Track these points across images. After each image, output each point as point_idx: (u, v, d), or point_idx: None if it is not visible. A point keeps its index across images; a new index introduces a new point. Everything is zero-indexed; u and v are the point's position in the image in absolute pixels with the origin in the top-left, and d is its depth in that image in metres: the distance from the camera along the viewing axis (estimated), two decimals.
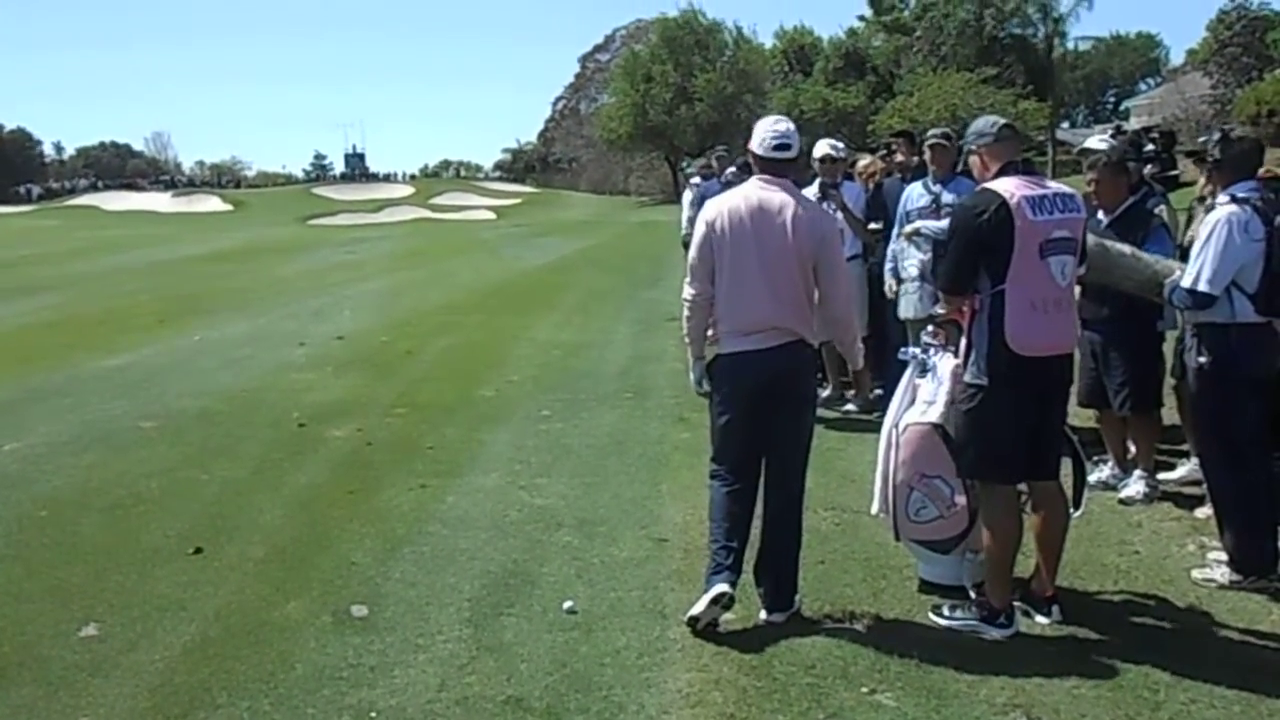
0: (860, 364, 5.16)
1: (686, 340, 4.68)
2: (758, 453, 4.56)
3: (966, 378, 4.32)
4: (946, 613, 4.47)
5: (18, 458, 7.38)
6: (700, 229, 4.53)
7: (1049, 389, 4.33)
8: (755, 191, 4.49)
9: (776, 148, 4.50)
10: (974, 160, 4.45)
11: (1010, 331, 4.12)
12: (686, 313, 4.60)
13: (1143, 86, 70.80)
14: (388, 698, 3.91)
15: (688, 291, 4.57)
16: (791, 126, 4.60)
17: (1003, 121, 4.48)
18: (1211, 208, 4.76)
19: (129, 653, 4.33)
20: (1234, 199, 4.63)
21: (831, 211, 7.96)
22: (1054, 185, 4.32)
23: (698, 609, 4.33)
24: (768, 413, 4.50)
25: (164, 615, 4.68)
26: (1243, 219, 4.56)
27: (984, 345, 4.21)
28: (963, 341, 4.37)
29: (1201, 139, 5.14)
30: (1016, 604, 4.41)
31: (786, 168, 4.57)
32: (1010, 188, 4.14)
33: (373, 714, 3.81)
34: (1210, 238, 4.59)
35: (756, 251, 4.40)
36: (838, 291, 4.56)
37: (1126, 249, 5.13)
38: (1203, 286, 4.59)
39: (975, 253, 4.20)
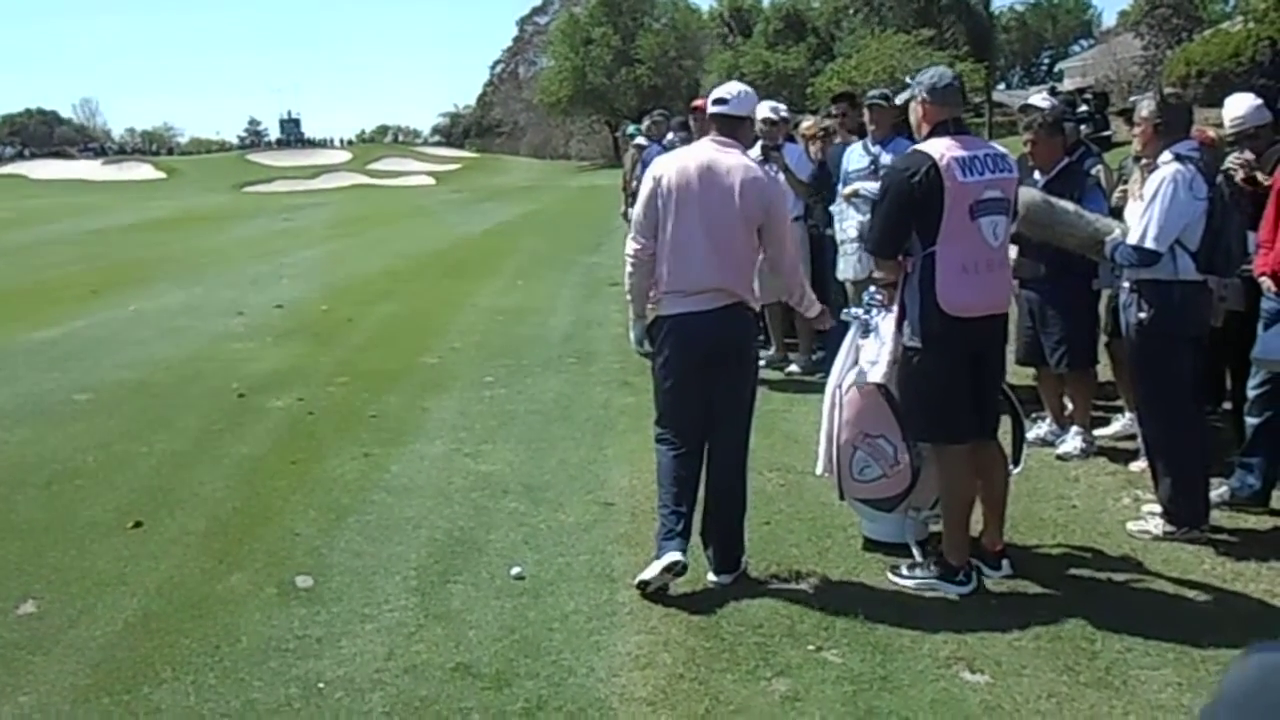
0: (815, 310, 4.88)
1: (628, 297, 4.68)
2: (702, 416, 4.55)
3: (904, 340, 4.36)
4: (905, 572, 4.51)
5: None
6: (648, 184, 4.50)
7: (983, 349, 4.37)
8: (708, 151, 4.47)
9: (738, 102, 4.51)
10: (914, 107, 4.42)
11: (941, 293, 4.14)
12: (629, 268, 4.58)
13: (1076, 48, 71.42)
14: (335, 668, 3.90)
15: (631, 246, 4.54)
16: (744, 88, 4.62)
17: (951, 75, 4.43)
18: (1151, 168, 4.81)
19: (69, 629, 4.27)
20: (1178, 157, 4.67)
21: (773, 173, 7.98)
22: (985, 145, 4.34)
23: (649, 574, 4.34)
24: (710, 377, 4.49)
25: (104, 590, 4.62)
26: (1188, 176, 4.61)
27: (916, 308, 4.24)
28: (899, 303, 4.40)
29: (1132, 98, 5.19)
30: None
31: (739, 128, 4.55)
32: (940, 149, 4.16)
33: (320, 685, 3.79)
34: (1156, 195, 4.62)
35: (701, 212, 4.36)
36: (784, 256, 4.61)
37: (1070, 206, 5.18)
38: (1149, 244, 4.62)
39: (906, 215, 4.22)
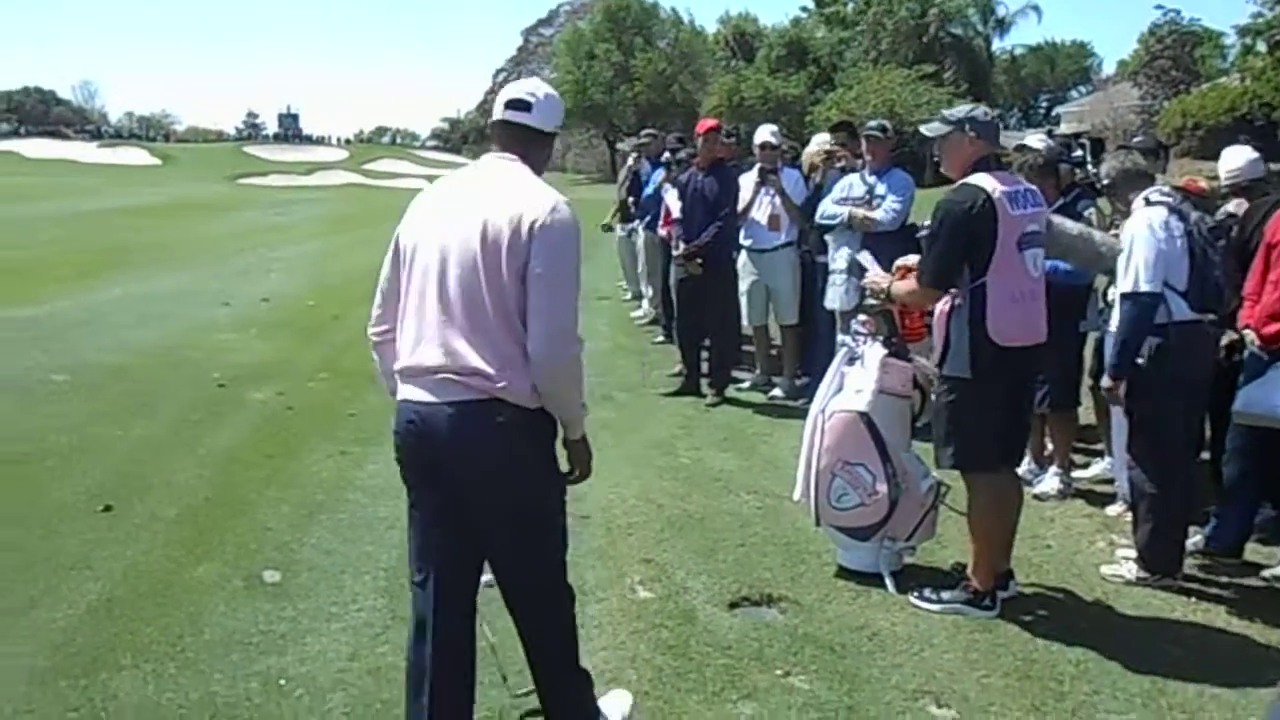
0: (577, 435, 3.40)
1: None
2: (460, 564, 3.16)
3: (946, 371, 4.39)
4: (931, 595, 4.53)
5: None
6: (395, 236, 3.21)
7: (1024, 379, 4.48)
8: (469, 175, 3.26)
9: (510, 105, 3.16)
10: (957, 140, 4.42)
11: (992, 324, 4.22)
12: (373, 353, 3.28)
13: (1074, 94, 72.01)
14: (298, 665, 3.86)
15: (371, 326, 3.24)
16: (550, 90, 3.24)
17: (989, 111, 4.57)
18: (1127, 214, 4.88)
19: (29, 611, 4.22)
20: (1148, 201, 4.74)
21: (770, 196, 7.99)
22: (1020, 181, 4.45)
23: None
24: (466, 510, 3.05)
25: (68, 573, 4.57)
26: (1161, 216, 4.65)
27: (965, 339, 4.28)
28: (937, 335, 4.42)
29: (1104, 164, 5.25)
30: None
31: (533, 144, 3.18)
32: (991, 183, 4.24)
33: (281, 681, 3.75)
34: (1133, 242, 4.65)
35: (440, 254, 3.00)
36: (542, 321, 2.91)
37: (1072, 227, 5.19)
38: (1144, 287, 4.59)
39: (964, 245, 4.26)
